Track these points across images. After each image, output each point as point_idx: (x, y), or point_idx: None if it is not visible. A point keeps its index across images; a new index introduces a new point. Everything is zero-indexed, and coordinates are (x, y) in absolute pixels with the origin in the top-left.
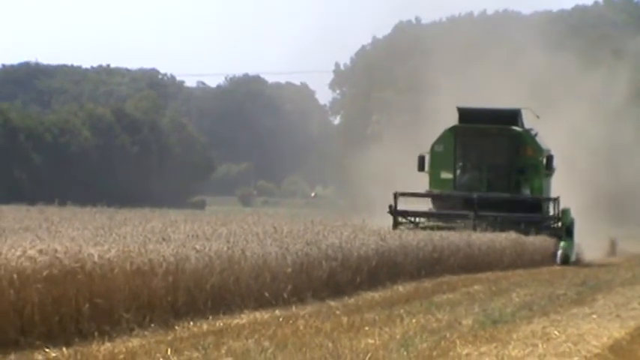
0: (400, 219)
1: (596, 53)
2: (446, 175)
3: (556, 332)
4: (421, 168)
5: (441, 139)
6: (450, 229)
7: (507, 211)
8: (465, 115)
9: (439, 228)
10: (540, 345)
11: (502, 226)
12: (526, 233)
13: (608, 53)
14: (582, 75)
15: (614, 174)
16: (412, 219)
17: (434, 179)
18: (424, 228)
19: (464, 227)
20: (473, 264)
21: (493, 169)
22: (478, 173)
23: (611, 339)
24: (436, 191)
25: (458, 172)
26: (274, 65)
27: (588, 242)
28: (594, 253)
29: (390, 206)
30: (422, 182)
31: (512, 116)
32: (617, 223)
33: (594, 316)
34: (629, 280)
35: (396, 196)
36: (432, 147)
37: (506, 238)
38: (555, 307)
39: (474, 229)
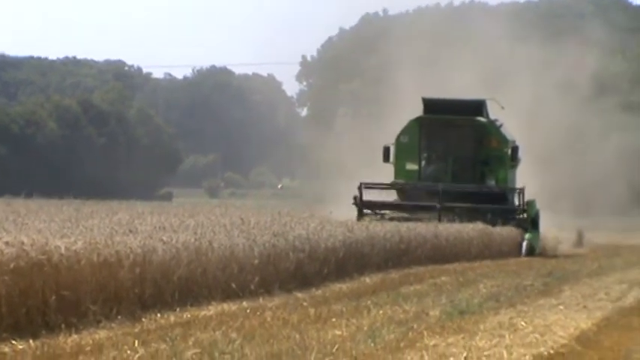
0: (365, 210)
1: (563, 44)
2: (411, 166)
3: (523, 323)
4: (386, 159)
5: (406, 130)
6: (415, 220)
7: (472, 202)
8: (430, 105)
9: (404, 219)
10: (507, 336)
11: (467, 218)
12: (492, 224)
13: (575, 44)
14: (549, 65)
15: (580, 164)
16: (377, 210)
17: (399, 170)
18: (390, 219)
19: (429, 218)
20: (440, 255)
21: (458, 160)
22: (443, 164)
23: (577, 330)
24: (401, 182)
25: (423, 163)
26: (241, 57)
27: (555, 233)
28: (561, 244)
29: (355, 197)
30: (388, 173)
31: (477, 107)
32: (583, 214)
33: (561, 307)
34: (596, 270)
35: (360, 187)
36: (397, 138)
37: (473, 229)
38: (522, 298)
39: (439, 220)
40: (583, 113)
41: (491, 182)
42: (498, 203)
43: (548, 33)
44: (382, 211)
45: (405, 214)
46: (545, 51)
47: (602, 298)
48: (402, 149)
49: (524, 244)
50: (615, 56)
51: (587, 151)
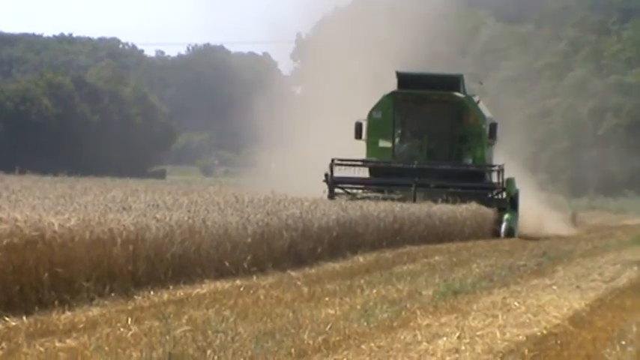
0: (337, 190)
1: (559, 26)
2: (384, 144)
3: (516, 303)
4: (358, 136)
5: (379, 106)
6: (388, 199)
7: (449, 181)
8: (405, 80)
9: (377, 198)
10: (500, 316)
11: (443, 197)
12: (487, 205)
13: (570, 26)
14: (544, 47)
15: (575, 145)
16: (349, 189)
17: (372, 148)
18: (362, 198)
19: (403, 198)
20: (434, 235)
21: (434, 137)
22: (418, 141)
23: (571, 310)
24: (374, 160)
25: (397, 140)
26: (237, 36)
27: (550, 214)
28: (557, 224)
29: (326, 175)
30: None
31: (454, 82)
32: (578, 195)
33: (554, 287)
34: (590, 251)
35: (332, 163)
36: (370, 114)
37: (467, 209)
38: (515, 278)
39: (414, 199)
40: (578, 94)
41: (469, 161)
42: (476, 182)
43: (544, 13)
44: (353, 190)
45: (378, 194)
46: (541, 32)
47: (596, 279)
48: (375, 126)
49: (503, 225)
50: (611, 37)
51: (582, 131)
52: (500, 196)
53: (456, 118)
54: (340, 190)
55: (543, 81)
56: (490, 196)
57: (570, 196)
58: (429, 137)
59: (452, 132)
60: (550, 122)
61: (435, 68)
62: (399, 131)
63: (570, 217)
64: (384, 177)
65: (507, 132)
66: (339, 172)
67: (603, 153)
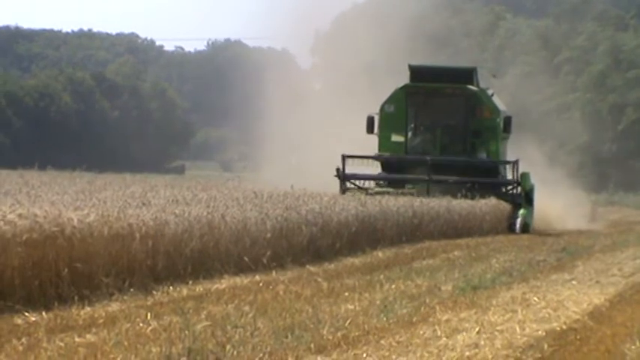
0: (348, 184)
1: (578, 20)
2: (397, 138)
3: (535, 298)
4: (370, 130)
5: (391, 99)
6: (401, 194)
7: (463, 175)
8: (417, 73)
9: (390, 194)
10: (520, 311)
11: (461, 191)
12: (510, 202)
13: (589, 20)
14: (564, 41)
15: (595, 140)
16: (361, 184)
17: (384, 142)
18: (374, 194)
19: (416, 193)
20: (453, 230)
21: (447, 131)
22: (431, 135)
23: (590, 305)
24: (386, 155)
25: (409, 134)
26: (256, 30)
27: (570, 209)
28: (576, 220)
29: (338, 170)
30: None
31: (468, 75)
32: (598, 190)
33: (574, 283)
34: (609, 246)
35: (343, 158)
36: (382, 107)
37: (486, 204)
38: (535, 273)
39: (428, 194)
40: (598, 88)
41: (482, 155)
42: (490, 176)
43: (563, 7)
44: (365, 185)
45: (390, 189)
46: (562, 27)
47: (615, 274)
48: (387, 119)
49: (519, 220)
50: (628, 32)
51: (602, 126)
52: (515, 191)
53: (469, 112)
54: (352, 186)
55: (562, 76)
56: (505, 190)
57: (590, 191)
58: (442, 131)
59: (465, 125)
60: (569, 117)
61: (454, 63)
62: (412, 125)
63: (590, 212)
64: (397, 171)
65: (526, 127)
66: (351, 167)
67: (623, 148)
